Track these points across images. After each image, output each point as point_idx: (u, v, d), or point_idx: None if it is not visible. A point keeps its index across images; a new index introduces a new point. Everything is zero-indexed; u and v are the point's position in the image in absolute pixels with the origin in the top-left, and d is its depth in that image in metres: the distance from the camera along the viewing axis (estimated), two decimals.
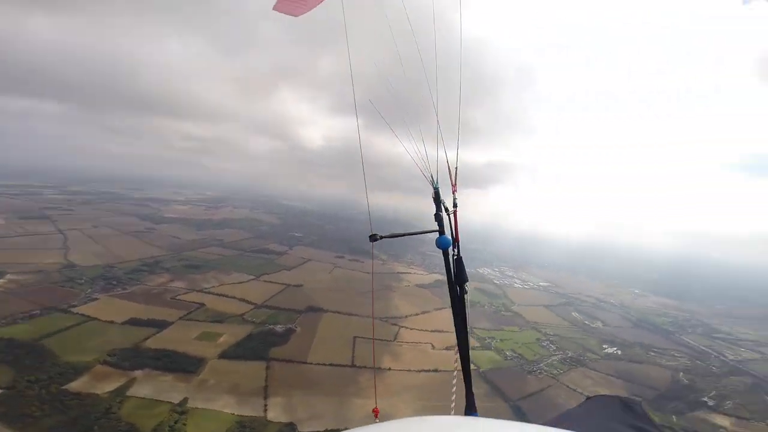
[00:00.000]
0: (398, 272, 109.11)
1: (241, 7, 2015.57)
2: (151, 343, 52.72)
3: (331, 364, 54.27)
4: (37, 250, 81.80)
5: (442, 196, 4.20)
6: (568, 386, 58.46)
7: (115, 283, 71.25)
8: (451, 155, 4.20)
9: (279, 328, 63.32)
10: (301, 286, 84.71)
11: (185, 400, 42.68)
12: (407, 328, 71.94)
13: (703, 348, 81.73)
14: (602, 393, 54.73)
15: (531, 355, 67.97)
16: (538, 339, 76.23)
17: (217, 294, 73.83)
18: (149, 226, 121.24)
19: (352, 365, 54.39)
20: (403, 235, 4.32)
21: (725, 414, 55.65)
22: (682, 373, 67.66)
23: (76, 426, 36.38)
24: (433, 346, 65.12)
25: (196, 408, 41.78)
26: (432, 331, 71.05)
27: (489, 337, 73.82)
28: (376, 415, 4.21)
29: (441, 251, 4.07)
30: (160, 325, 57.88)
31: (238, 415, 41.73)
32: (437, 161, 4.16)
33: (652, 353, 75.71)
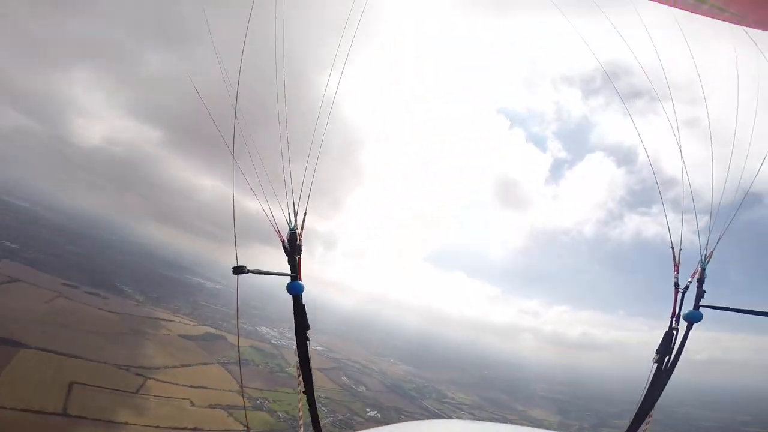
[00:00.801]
0: (157, 318, 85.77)
1: None
2: None
3: (26, 410, 35.08)
4: None
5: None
6: None
7: None
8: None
9: None
10: None
11: None
12: (158, 380, 54.61)
13: (437, 411, 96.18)
14: None
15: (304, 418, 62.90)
16: None
17: None
18: None
19: (65, 414, 36.09)
20: (268, 273, 3.96)
21: None
22: None
23: None
24: (192, 402, 51.45)
25: None
26: (194, 386, 56.51)
27: (261, 398, 65.65)
28: None
29: (291, 297, 3.98)
30: None
31: None
32: (294, 203, 3.94)
33: (403, 416, 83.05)
